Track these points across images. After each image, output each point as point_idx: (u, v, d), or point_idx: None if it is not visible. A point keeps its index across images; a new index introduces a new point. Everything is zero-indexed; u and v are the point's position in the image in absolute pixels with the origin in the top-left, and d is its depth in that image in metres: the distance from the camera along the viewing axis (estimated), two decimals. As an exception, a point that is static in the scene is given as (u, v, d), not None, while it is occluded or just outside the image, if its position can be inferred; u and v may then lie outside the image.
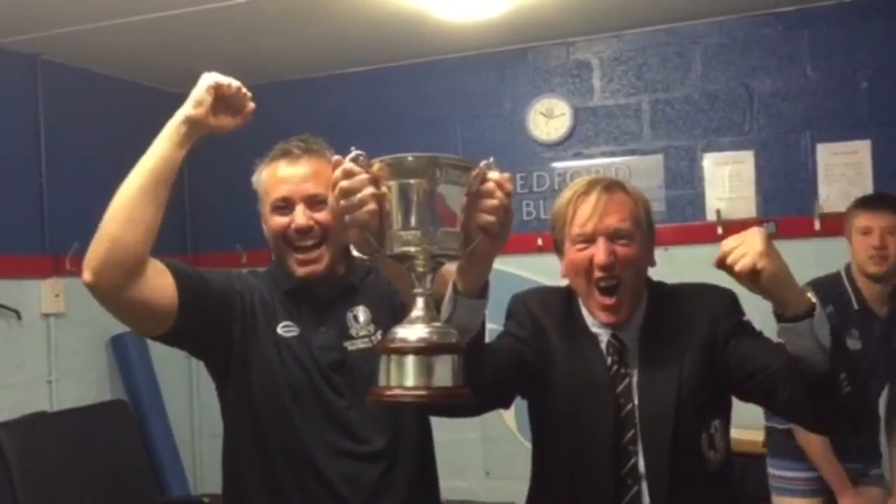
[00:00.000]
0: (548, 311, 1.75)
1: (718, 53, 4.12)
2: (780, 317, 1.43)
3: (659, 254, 1.78)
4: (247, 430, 1.81)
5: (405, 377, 1.18)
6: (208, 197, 4.82)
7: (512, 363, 1.65)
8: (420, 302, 1.24)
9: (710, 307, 1.70)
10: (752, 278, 1.39)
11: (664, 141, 4.21)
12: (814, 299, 1.41)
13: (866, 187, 3.83)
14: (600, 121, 4.32)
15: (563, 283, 1.81)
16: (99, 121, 4.39)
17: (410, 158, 1.21)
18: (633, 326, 1.71)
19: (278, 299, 1.84)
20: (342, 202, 1.22)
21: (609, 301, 1.66)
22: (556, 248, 1.76)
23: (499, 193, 1.25)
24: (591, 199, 1.67)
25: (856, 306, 2.96)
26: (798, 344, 1.42)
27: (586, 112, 4.35)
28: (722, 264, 1.42)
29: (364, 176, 1.22)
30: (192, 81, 1.65)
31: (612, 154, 4.28)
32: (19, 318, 4.00)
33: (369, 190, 1.21)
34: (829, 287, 2.91)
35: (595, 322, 1.72)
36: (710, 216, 4.09)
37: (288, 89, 4.71)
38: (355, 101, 4.69)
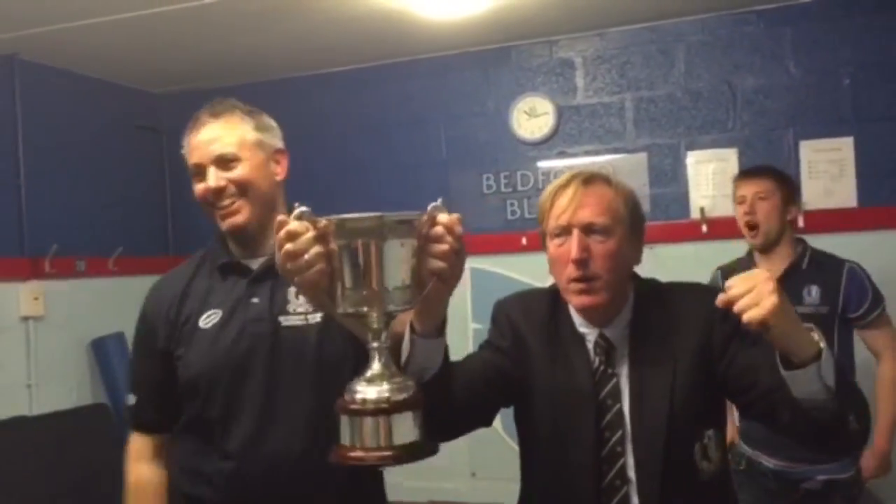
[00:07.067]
0: (530, 316, 1.72)
1: (701, 51, 4.12)
2: (786, 363, 1.37)
3: (643, 252, 1.73)
4: (185, 427, 1.84)
5: (367, 439, 1.16)
6: (190, 198, 4.75)
7: (488, 380, 1.61)
8: (377, 358, 1.21)
9: (702, 310, 1.62)
10: (759, 329, 1.32)
11: (648, 139, 4.21)
12: (822, 343, 1.35)
13: (850, 184, 3.84)
14: (584, 119, 4.31)
15: (549, 281, 1.78)
16: (77, 121, 4.33)
17: (354, 220, 1.16)
18: (621, 324, 1.66)
19: (206, 282, 1.85)
20: (288, 265, 1.19)
21: (582, 286, 1.61)
22: (543, 242, 1.73)
23: (448, 238, 1.21)
24: (569, 191, 1.64)
25: None
26: (803, 388, 1.37)
27: (570, 111, 4.33)
28: (726, 308, 1.35)
29: (309, 235, 1.18)
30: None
31: (596, 153, 4.27)
32: (-3, 321, 3.94)
33: (316, 250, 1.18)
34: (737, 268, 2.85)
35: (582, 321, 1.68)
36: (695, 214, 4.09)
37: (269, 89, 4.65)
38: (337, 101, 4.65)
